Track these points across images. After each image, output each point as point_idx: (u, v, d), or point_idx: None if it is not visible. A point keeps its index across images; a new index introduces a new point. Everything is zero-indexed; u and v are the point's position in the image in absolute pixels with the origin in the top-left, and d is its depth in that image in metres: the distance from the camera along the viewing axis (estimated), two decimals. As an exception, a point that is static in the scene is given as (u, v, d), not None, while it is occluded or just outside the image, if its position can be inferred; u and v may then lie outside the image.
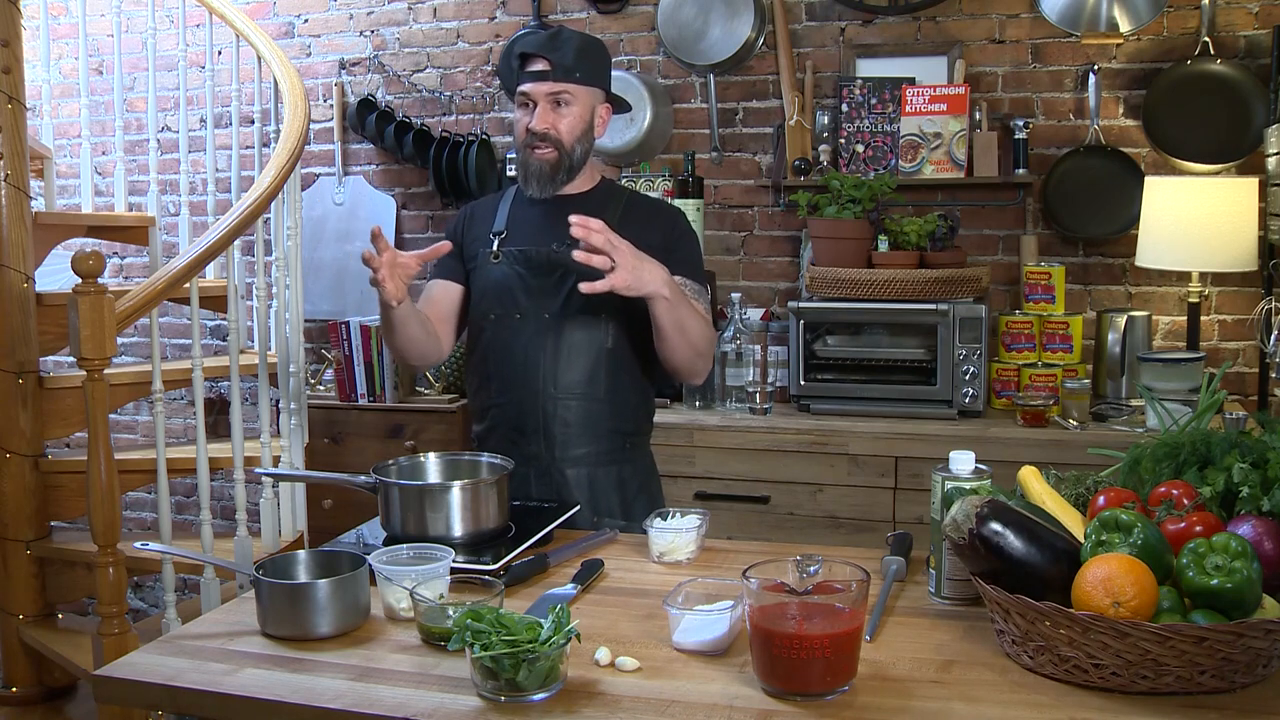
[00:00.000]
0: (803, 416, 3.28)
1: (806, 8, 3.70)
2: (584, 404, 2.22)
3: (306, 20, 4.26)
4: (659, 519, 1.88)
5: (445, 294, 2.35)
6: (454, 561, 1.64)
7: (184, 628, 1.61)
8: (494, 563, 1.73)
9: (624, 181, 3.72)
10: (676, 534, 1.85)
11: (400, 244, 4.16)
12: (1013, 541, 1.39)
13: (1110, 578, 1.30)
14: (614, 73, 3.83)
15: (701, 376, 2.29)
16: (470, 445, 2.34)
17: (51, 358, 4.01)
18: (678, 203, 3.64)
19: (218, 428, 4.06)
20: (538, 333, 2.22)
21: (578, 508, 2.09)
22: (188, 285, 3.08)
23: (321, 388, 3.98)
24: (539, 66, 2.19)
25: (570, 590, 1.68)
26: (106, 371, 2.75)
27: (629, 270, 2.00)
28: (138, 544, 1.77)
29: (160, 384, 3.04)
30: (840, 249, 3.30)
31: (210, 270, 3.94)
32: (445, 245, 2.18)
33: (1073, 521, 1.55)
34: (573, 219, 1.98)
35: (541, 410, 2.21)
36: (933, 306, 3.18)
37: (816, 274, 3.31)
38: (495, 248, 2.28)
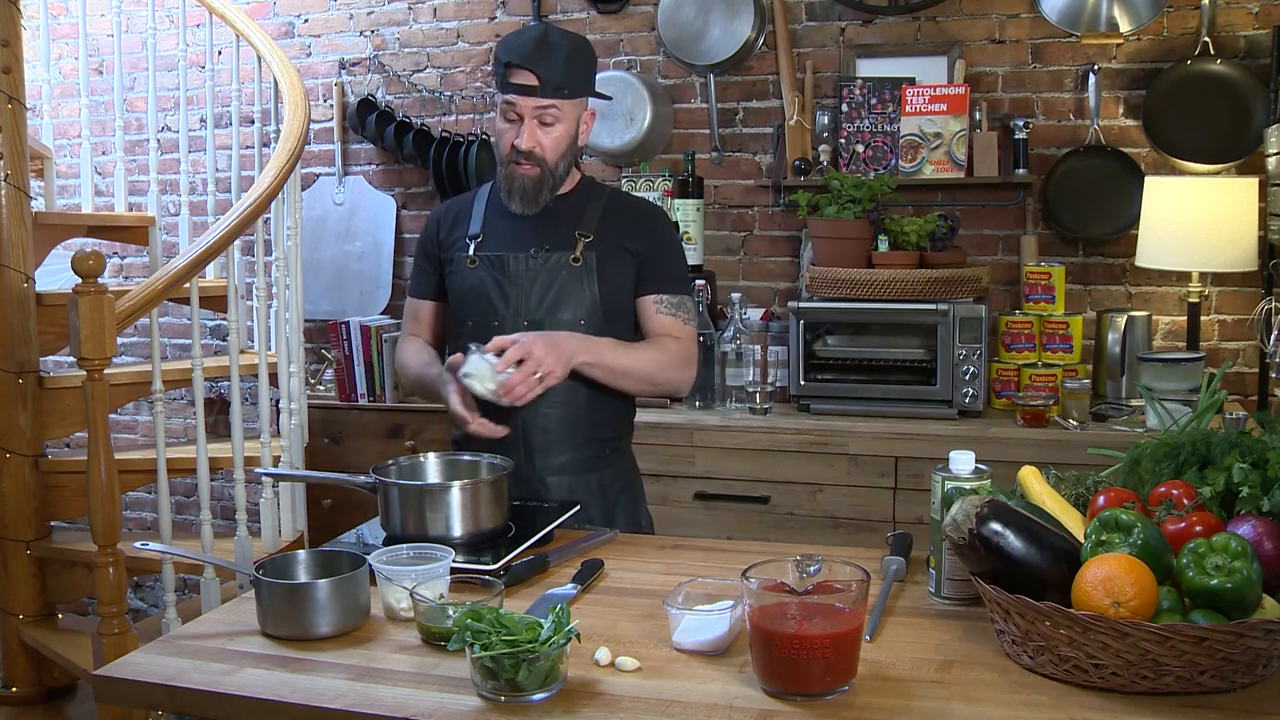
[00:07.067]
0: (803, 416, 3.28)
1: (806, 8, 3.70)
2: (564, 412, 2.18)
3: (306, 20, 4.26)
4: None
5: (435, 315, 2.37)
6: (454, 561, 1.64)
7: (184, 628, 1.61)
8: (494, 563, 1.73)
9: (624, 181, 3.73)
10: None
11: (400, 244, 4.17)
12: (1013, 541, 1.39)
13: (1110, 578, 1.30)
14: (614, 73, 3.90)
15: (680, 392, 2.28)
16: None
17: (51, 358, 4.01)
18: (677, 203, 3.64)
19: (218, 428, 4.06)
20: None
21: (578, 507, 2.08)
22: (188, 285, 3.08)
23: (321, 388, 3.99)
24: (527, 80, 2.09)
25: (570, 590, 1.68)
26: (106, 371, 2.75)
27: (555, 360, 2.02)
28: (138, 544, 1.76)
29: (160, 384, 3.04)
30: (840, 249, 3.30)
31: (210, 270, 3.94)
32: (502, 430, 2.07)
33: (1073, 521, 1.54)
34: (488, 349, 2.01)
35: (520, 419, 2.15)
36: (933, 306, 3.18)
37: (816, 274, 3.31)
38: (471, 252, 2.24)
